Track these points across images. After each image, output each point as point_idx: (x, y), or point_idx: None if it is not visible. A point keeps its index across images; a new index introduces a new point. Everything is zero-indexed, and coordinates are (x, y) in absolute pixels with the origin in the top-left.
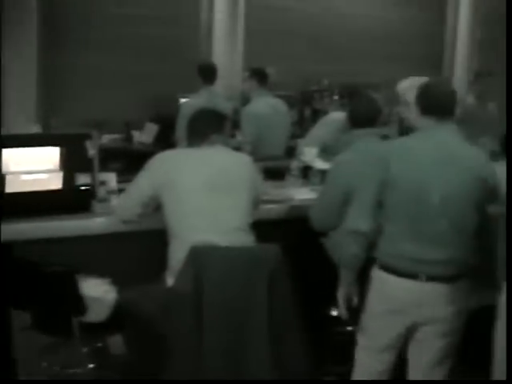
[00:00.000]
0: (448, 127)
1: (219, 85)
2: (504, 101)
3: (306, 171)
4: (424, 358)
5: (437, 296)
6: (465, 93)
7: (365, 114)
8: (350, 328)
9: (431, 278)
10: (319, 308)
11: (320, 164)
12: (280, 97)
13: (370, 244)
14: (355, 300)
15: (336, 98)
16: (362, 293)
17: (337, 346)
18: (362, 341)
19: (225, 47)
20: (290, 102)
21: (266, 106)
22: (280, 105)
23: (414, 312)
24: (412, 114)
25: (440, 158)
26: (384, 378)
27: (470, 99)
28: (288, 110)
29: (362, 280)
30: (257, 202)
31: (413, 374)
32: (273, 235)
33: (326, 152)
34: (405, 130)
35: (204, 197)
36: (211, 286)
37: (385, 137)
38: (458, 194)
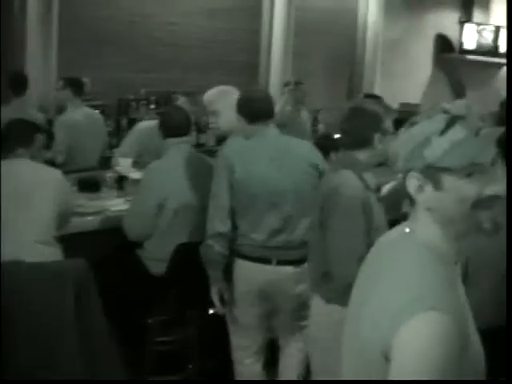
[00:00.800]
0: (273, 127)
1: (33, 95)
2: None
3: (122, 182)
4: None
5: (288, 277)
6: (281, 99)
7: (175, 124)
8: (168, 338)
9: (282, 262)
10: (138, 318)
11: (135, 174)
12: (96, 106)
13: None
14: (226, 295)
15: (153, 106)
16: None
17: (158, 355)
18: (232, 327)
19: (38, 56)
20: (107, 111)
21: (81, 116)
22: (95, 114)
23: (269, 292)
24: (222, 122)
25: (277, 153)
26: (259, 355)
27: (286, 105)
28: (104, 120)
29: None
30: (66, 215)
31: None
32: (88, 247)
33: (140, 161)
34: (221, 137)
35: (4, 209)
36: (15, 302)
37: (200, 145)
38: (299, 181)
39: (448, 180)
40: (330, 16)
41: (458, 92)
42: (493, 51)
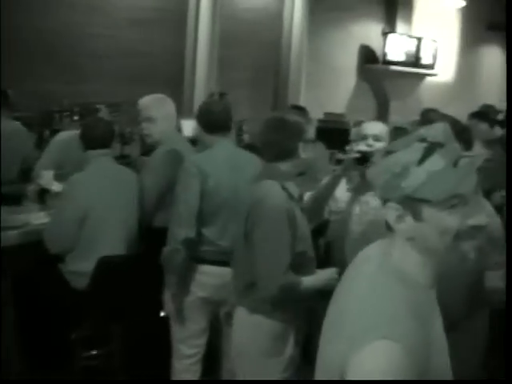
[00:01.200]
0: (229, 139)
1: None
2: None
3: (44, 194)
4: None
5: None
6: None
7: (96, 136)
8: (95, 352)
9: None
10: (62, 334)
11: (57, 187)
12: (19, 118)
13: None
14: (180, 301)
15: (76, 118)
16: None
17: (84, 370)
18: (180, 334)
19: None
20: (29, 123)
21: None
22: (17, 126)
23: (223, 296)
24: (155, 129)
25: (236, 163)
26: (196, 360)
27: None
28: (27, 132)
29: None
30: None
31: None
32: (10, 262)
33: (62, 173)
34: (148, 147)
35: None
36: None
37: (123, 156)
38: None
39: (428, 211)
40: (255, 27)
41: (382, 102)
42: (415, 62)
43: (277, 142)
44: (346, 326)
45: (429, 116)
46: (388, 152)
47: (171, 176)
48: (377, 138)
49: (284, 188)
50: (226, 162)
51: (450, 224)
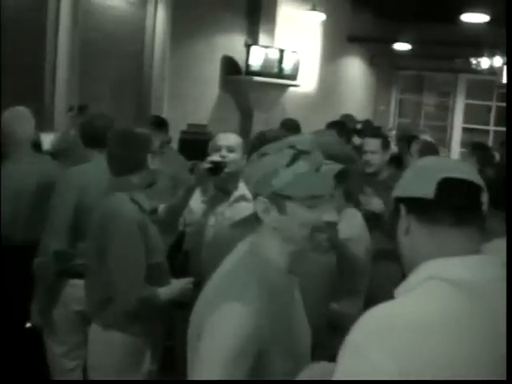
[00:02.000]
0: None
1: None
2: None
3: None
4: None
5: None
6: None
7: None
8: None
9: None
10: None
11: None
12: None
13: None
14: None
15: None
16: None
17: None
18: (51, 337)
19: None
20: None
21: None
22: None
23: None
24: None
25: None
26: (80, 358)
27: (69, 131)
28: None
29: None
30: None
31: None
32: None
33: None
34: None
35: None
36: None
37: None
38: None
39: (290, 206)
40: (116, 38)
41: (245, 112)
42: (278, 73)
43: (124, 154)
44: (207, 292)
45: (287, 125)
46: (262, 154)
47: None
48: (230, 149)
49: (134, 200)
50: (104, 176)
51: (308, 218)
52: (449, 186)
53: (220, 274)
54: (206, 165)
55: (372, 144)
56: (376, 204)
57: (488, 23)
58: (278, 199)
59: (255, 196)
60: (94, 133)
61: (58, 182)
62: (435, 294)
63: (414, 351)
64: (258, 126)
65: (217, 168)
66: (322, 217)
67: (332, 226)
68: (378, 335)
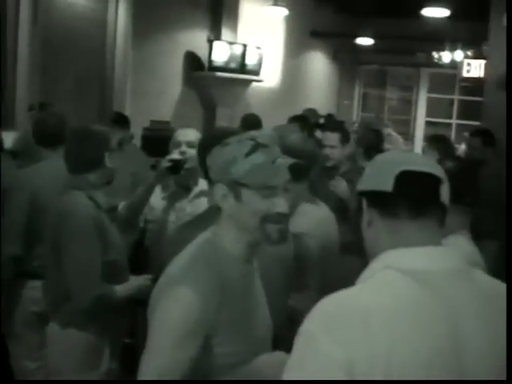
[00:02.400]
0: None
1: None
2: None
3: None
4: None
5: None
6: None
7: None
8: None
9: None
10: None
11: None
12: None
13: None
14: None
15: None
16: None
17: None
18: (17, 350)
19: None
20: None
21: None
22: None
23: None
24: None
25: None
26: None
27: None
28: None
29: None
30: None
31: None
32: None
33: None
34: None
35: None
36: None
37: None
38: None
39: (246, 194)
40: (77, 35)
41: (209, 108)
42: (241, 68)
43: (81, 152)
44: (163, 276)
45: (248, 121)
46: (224, 144)
47: None
48: (190, 145)
49: (90, 198)
50: (57, 176)
51: (260, 208)
52: (407, 179)
53: (177, 260)
54: (165, 163)
55: (331, 138)
56: (342, 186)
57: (448, 17)
58: (236, 186)
59: (215, 182)
60: (46, 131)
61: (10, 184)
62: (388, 283)
63: (363, 339)
64: (222, 121)
65: (176, 166)
66: (274, 207)
67: (282, 218)
68: (328, 322)
